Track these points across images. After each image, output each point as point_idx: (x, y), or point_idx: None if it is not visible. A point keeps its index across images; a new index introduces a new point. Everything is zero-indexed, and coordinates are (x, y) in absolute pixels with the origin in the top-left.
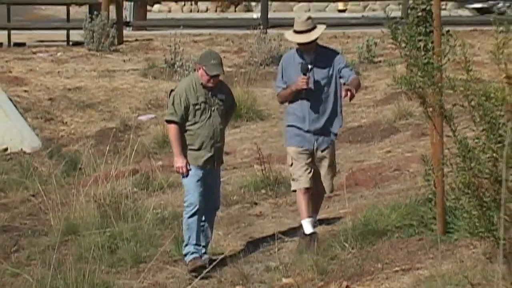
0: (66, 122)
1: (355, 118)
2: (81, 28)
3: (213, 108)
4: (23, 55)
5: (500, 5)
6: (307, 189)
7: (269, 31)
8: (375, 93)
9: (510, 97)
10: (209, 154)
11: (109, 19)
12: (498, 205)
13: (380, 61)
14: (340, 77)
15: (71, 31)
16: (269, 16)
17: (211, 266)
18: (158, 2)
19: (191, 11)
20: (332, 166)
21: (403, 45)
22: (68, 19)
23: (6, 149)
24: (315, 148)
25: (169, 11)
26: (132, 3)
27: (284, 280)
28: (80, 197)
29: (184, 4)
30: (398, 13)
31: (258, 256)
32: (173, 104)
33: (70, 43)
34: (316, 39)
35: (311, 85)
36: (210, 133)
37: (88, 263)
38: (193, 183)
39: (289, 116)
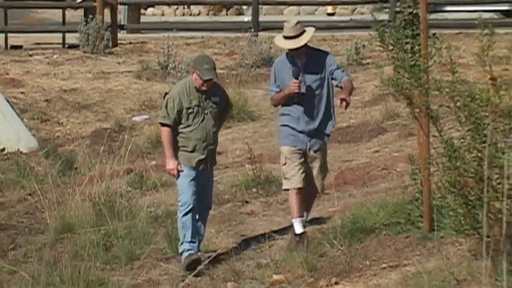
0: (62, 123)
1: (344, 119)
2: (76, 31)
3: (206, 111)
4: (20, 58)
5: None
6: (299, 189)
7: (260, 34)
8: (363, 95)
9: (494, 98)
10: (202, 156)
11: (104, 22)
12: (483, 203)
13: (368, 63)
14: (333, 79)
15: (66, 34)
16: (260, 19)
17: (204, 263)
18: (152, 6)
19: (183, 14)
20: (323, 167)
21: (391, 47)
22: (63, 23)
23: (3, 149)
24: (307, 148)
25: (163, 14)
26: (126, 7)
27: (275, 277)
28: (75, 196)
29: (177, 8)
30: (385, 16)
31: (249, 253)
32: (166, 107)
33: (66, 45)
34: (306, 44)
35: (303, 89)
36: (203, 136)
37: (84, 260)
38: (186, 183)
39: (282, 117)
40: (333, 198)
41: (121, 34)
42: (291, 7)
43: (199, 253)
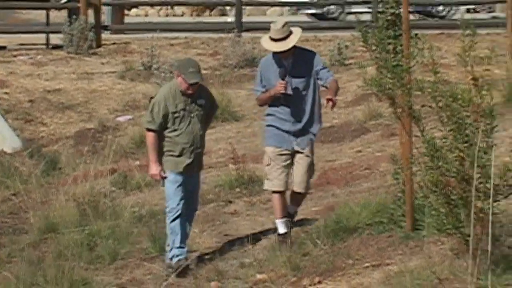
0: (46, 123)
1: (327, 119)
2: (60, 32)
3: (192, 115)
4: (4, 58)
5: (333, 11)
6: (281, 191)
7: (243, 34)
8: (346, 95)
9: (476, 98)
10: (189, 161)
11: (88, 23)
12: (465, 203)
13: (351, 64)
14: (318, 79)
15: (50, 35)
16: (243, 20)
17: (186, 263)
18: (135, 7)
19: (167, 15)
20: (310, 166)
21: (373, 48)
22: (47, 23)
23: None
24: (294, 147)
25: (146, 15)
26: (110, 8)
27: (258, 276)
28: (59, 196)
29: (161, 9)
30: (368, 17)
31: (232, 253)
32: (151, 112)
33: (50, 46)
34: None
35: (290, 90)
36: (190, 140)
37: (67, 260)
38: (174, 189)
39: (268, 117)
40: (316, 198)
41: (104, 35)
42: (274, 8)
43: (188, 260)
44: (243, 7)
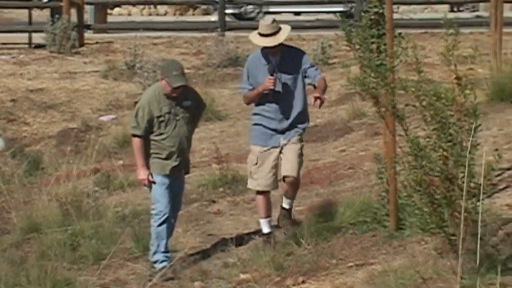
0: (28, 123)
1: (311, 118)
2: (43, 31)
3: (178, 117)
4: None
5: (251, 11)
6: (266, 191)
7: (227, 33)
8: (329, 94)
9: (459, 98)
10: (176, 163)
11: (70, 22)
12: (448, 202)
13: (334, 63)
14: (306, 77)
15: (33, 34)
16: (226, 19)
17: (170, 264)
18: (118, 6)
19: (150, 14)
20: (298, 153)
21: (357, 47)
22: (30, 22)
23: None
24: (281, 142)
25: (129, 14)
26: (93, 7)
27: (242, 276)
28: (42, 196)
29: (144, 8)
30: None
31: (216, 252)
32: (136, 117)
33: (32, 45)
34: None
35: (279, 86)
36: (176, 143)
37: (50, 260)
38: (161, 191)
39: (255, 116)
40: (300, 197)
41: (87, 34)
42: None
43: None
44: (227, 6)
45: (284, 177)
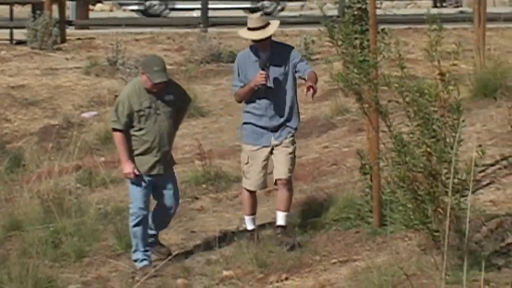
0: (9, 120)
1: None
2: (24, 27)
3: (159, 112)
4: None
5: (156, 7)
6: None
7: (209, 29)
8: None
9: (443, 93)
10: (155, 159)
11: (52, 18)
12: (432, 198)
13: (317, 59)
14: (296, 72)
15: (14, 30)
16: (209, 15)
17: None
18: (100, 2)
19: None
20: (290, 156)
21: (340, 43)
22: (11, 18)
23: None
24: (272, 142)
25: (111, 10)
26: (75, 3)
27: (225, 273)
28: (23, 193)
29: None
30: (334, 12)
31: (199, 249)
32: (116, 111)
33: (14, 41)
34: (271, 36)
35: (270, 81)
36: (156, 139)
37: (32, 258)
38: (138, 192)
39: (246, 114)
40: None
41: (69, 30)
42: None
43: (153, 263)
44: (209, 2)
45: (276, 180)
